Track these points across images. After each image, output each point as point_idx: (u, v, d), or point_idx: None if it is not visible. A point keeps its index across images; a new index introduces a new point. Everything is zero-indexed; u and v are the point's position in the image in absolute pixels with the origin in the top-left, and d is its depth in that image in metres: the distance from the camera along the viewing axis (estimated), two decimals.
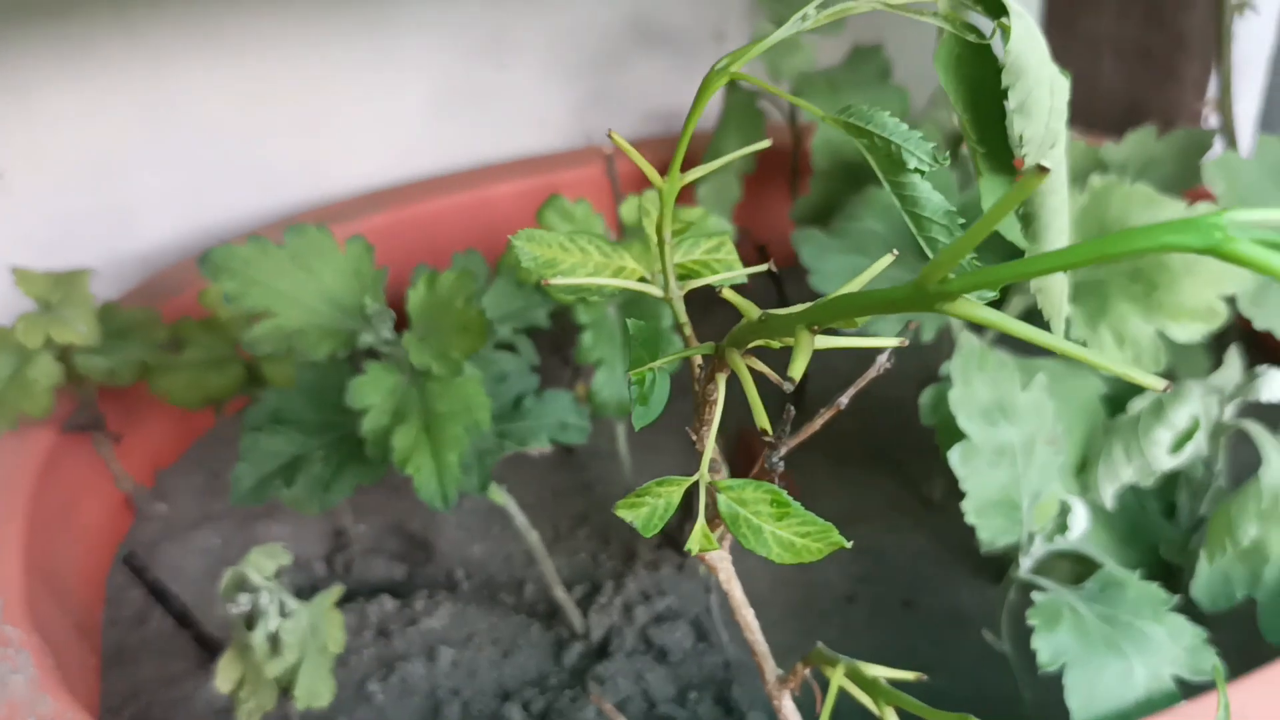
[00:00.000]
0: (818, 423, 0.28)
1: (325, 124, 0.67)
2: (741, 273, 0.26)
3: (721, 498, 0.23)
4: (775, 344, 0.22)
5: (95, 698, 0.46)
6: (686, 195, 0.64)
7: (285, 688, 0.40)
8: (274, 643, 0.36)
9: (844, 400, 0.28)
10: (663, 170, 0.26)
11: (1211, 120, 0.64)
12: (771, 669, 0.33)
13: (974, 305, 0.17)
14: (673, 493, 0.23)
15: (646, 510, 0.23)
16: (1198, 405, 0.41)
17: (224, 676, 0.38)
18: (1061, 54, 0.74)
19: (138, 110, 0.63)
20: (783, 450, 0.28)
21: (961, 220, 0.25)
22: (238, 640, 0.37)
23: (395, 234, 0.61)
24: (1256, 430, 0.43)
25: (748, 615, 0.31)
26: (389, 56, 0.67)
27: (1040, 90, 0.26)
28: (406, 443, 0.36)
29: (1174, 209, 0.43)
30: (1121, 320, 0.43)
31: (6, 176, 0.62)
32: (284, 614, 0.36)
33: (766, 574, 0.52)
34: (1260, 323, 0.45)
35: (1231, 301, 0.44)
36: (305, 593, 0.54)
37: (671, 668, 0.46)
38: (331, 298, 0.39)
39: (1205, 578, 0.43)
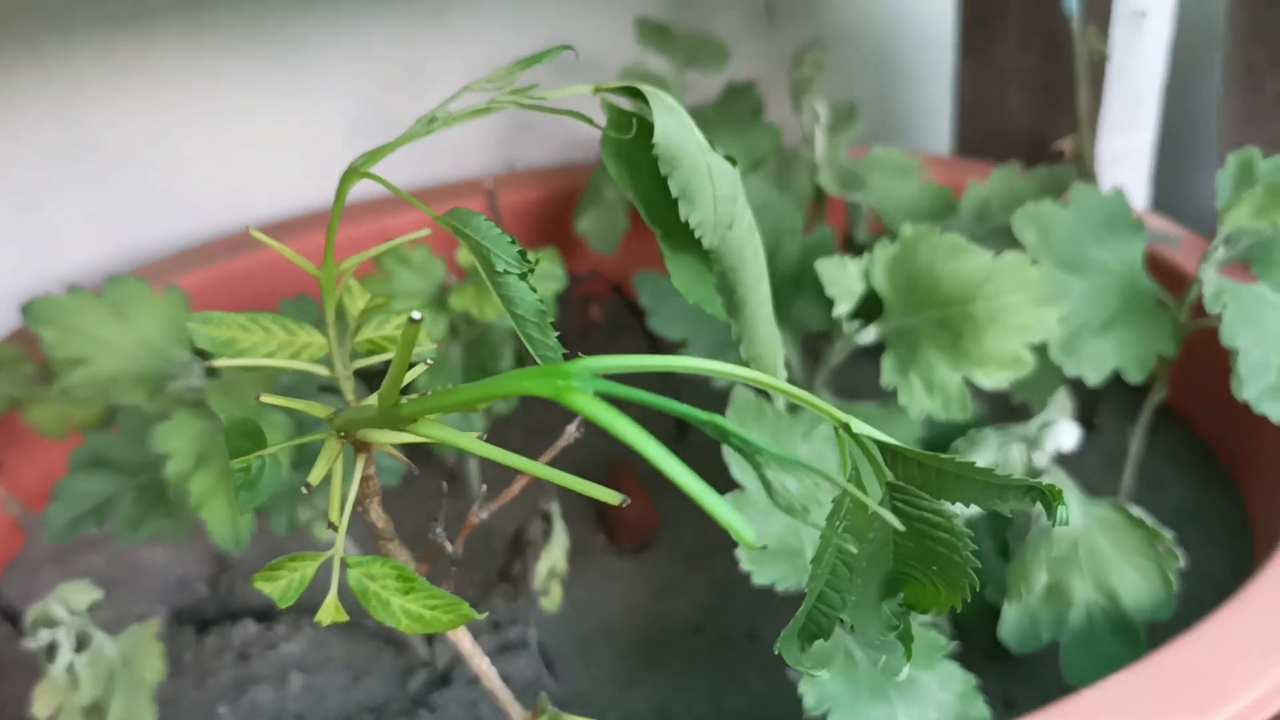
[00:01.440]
0: (504, 498, 0.29)
1: (243, 152, 0.69)
2: (428, 349, 0.28)
3: (351, 573, 0.25)
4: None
5: None
6: (567, 230, 0.66)
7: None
8: (71, 676, 0.38)
9: (521, 484, 0.29)
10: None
11: (1099, 156, 0.64)
12: (515, 714, 0.34)
13: (436, 426, 0.19)
14: (307, 567, 0.25)
15: (283, 583, 0.25)
16: (993, 453, 0.42)
17: (41, 704, 0.40)
18: (973, 84, 0.74)
19: (54, 141, 0.66)
20: (473, 517, 0.29)
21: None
22: (46, 672, 0.40)
23: (284, 268, 0.63)
24: (1057, 477, 0.43)
25: (482, 664, 0.33)
26: (305, 87, 0.69)
27: (698, 178, 0.27)
28: (202, 487, 0.38)
29: (981, 259, 0.44)
30: (930, 368, 0.44)
31: None
32: (82, 649, 0.38)
33: (623, 605, 0.54)
34: (1070, 370, 0.45)
35: None
36: (187, 613, 0.56)
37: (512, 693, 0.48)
38: (149, 345, 0.41)
39: (1012, 621, 0.44)
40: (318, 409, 0.24)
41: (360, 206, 0.68)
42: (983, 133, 0.75)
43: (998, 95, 0.73)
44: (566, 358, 0.29)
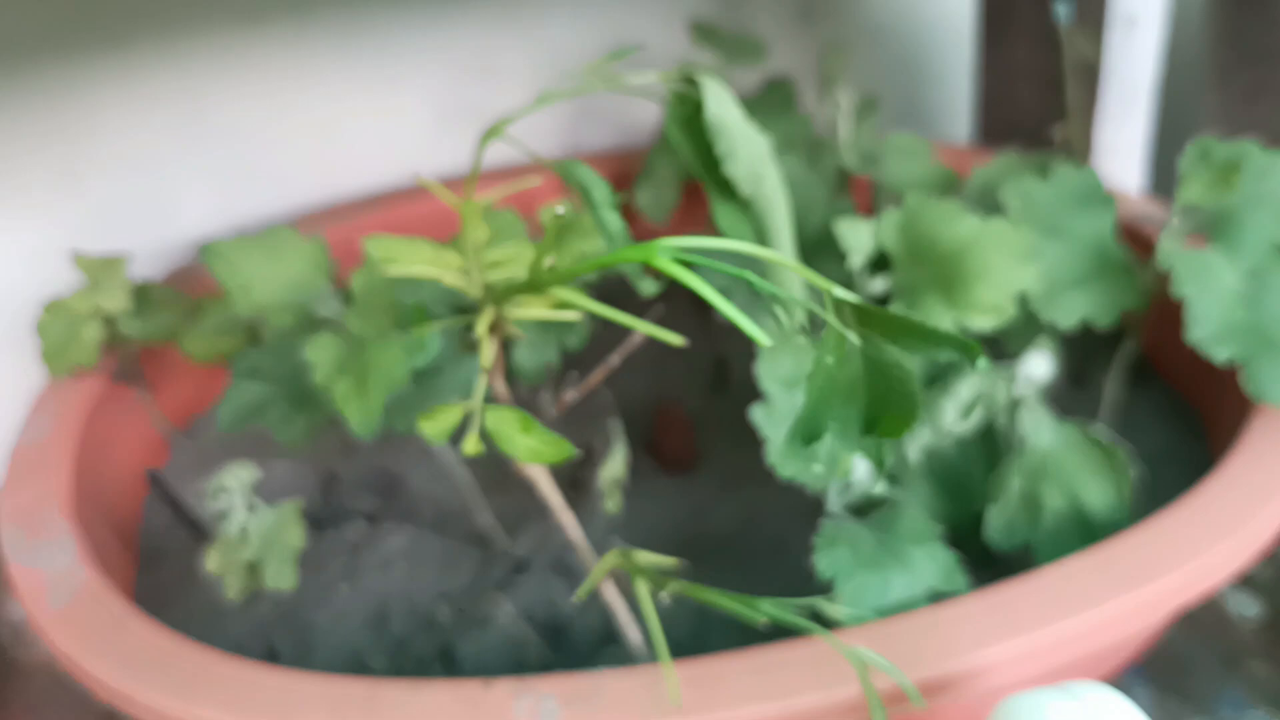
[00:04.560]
0: (596, 378, 0.39)
1: (336, 135, 0.80)
2: (523, 265, 0.37)
3: (488, 416, 0.34)
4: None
5: (131, 588, 0.60)
6: (624, 204, 0.75)
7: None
8: (243, 534, 0.48)
9: (615, 359, 0.39)
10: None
11: (1097, 143, 0.73)
12: (589, 560, 0.44)
13: (568, 292, 0.28)
14: (456, 412, 0.35)
15: (439, 423, 0.34)
16: (978, 383, 0.52)
17: (211, 560, 0.51)
18: (989, 79, 0.83)
19: (178, 118, 0.77)
20: (572, 397, 0.39)
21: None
22: (219, 533, 0.50)
23: (391, 229, 0.73)
24: (1032, 405, 0.53)
25: (567, 517, 0.43)
26: (391, 76, 0.79)
27: (737, 143, 0.36)
28: (343, 391, 0.49)
29: (972, 223, 0.53)
30: (929, 313, 0.53)
31: (76, 175, 0.76)
32: (251, 511, 0.48)
33: (668, 519, 0.63)
34: (1046, 316, 0.54)
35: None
36: (304, 516, 0.67)
37: (572, 583, 0.58)
38: (293, 281, 0.51)
39: (993, 524, 0.53)
40: (473, 287, 0.33)
41: (451, 181, 0.78)
42: (998, 123, 0.84)
43: (1011, 89, 0.81)
44: None
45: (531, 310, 0.32)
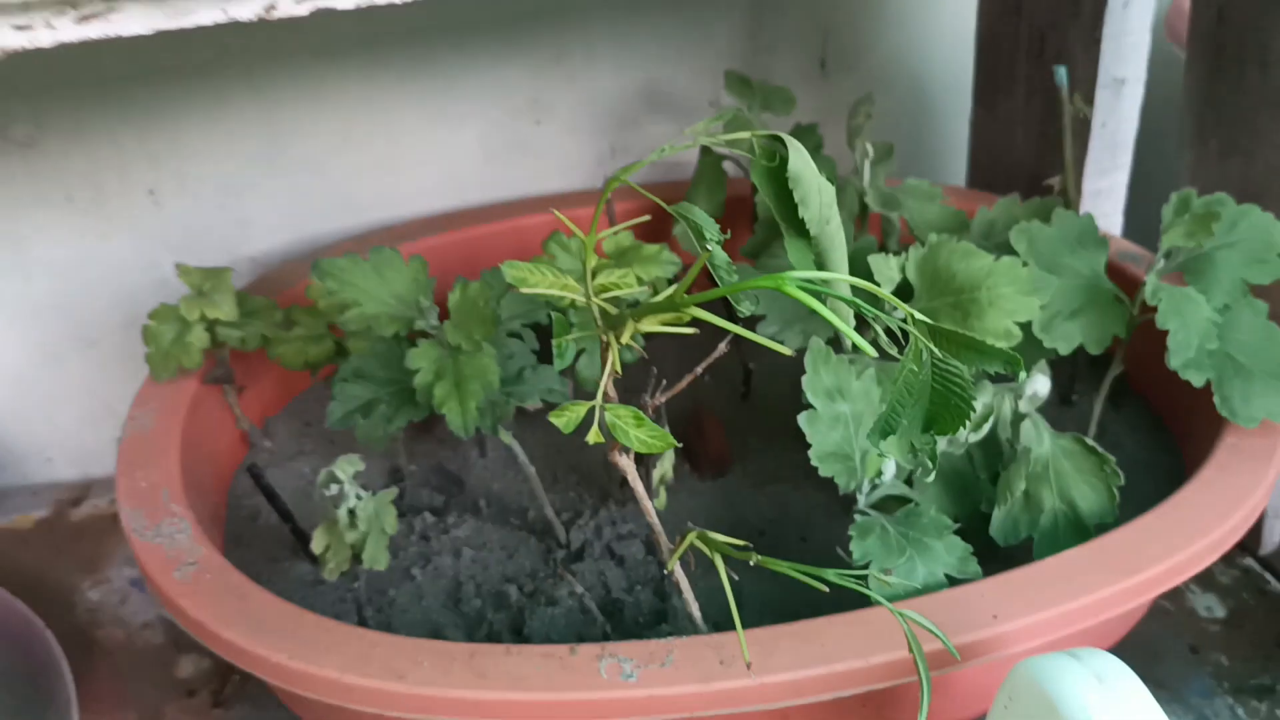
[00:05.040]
0: (683, 384, 0.46)
1: (399, 163, 0.87)
2: (636, 289, 0.45)
3: (607, 414, 0.42)
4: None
5: None
6: (668, 233, 0.83)
7: (356, 554, 0.59)
8: (351, 517, 0.55)
9: (700, 369, 0.46)
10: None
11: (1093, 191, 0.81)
12: (665, 541, 0.51)
13: (699, 311, 0.36)
14: (580, 410, 0.42)
15: (567, 418, 0.42)
16: (989, 397, 0.60)
17: (317, 541, 0.58)
18: (986, 129, 0.92)
19: (257, 147, 0.84)
20: (660, 399, 0.47)
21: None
22: (326, 516, 0.57)
23: (447, 250, 0.81)
24: (1035, 418, 0.61)
25: (648, 504, 0.50)
26: (449, 113, 0.86)
27: (811, 191, 0.44)
28: (443, 393, 0.56)
29: (985, 260, 0.61)
30: None
31: (157, 194, 0.83)
32: (359, 498, 0.55)
33: (705, 515, 0.70)
34: (1048, 343, 0.63)
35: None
36: None
37: (625, 569, 0.65)
38: (398, 296, 0.58)
39: (998, 521, 0.61)
40: (609, 309, 0.41)
41: (500, 206, 0.86)
42: (992, 169, 0.93)
43: (1006, 138, 0.90)
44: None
45: (651, 325, 0.39)
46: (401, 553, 0.67)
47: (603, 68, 0.89)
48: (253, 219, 0.85)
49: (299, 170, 0.85)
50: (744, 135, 0.44)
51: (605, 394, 0.42)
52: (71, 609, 0.77)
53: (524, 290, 0.43)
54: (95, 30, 0.33)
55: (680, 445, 0.43)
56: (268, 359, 0.69)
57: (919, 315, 0.35)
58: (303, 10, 0.36)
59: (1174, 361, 0.61)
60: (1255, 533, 0.75)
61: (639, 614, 0.62)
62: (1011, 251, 0.65)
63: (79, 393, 0.86)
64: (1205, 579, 0.75)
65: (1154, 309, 0.61)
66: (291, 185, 0.85)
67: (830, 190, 0.45)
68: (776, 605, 0.62)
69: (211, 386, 0.70)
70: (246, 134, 0.82)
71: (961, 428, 0.37)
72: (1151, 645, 0.70)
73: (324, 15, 0.40)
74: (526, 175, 0.92)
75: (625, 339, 0.39)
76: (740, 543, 0.48)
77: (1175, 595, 0.74)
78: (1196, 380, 0.61)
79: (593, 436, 0.42)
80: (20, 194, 0.78)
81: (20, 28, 0.31)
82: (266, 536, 0.69)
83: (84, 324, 0.84)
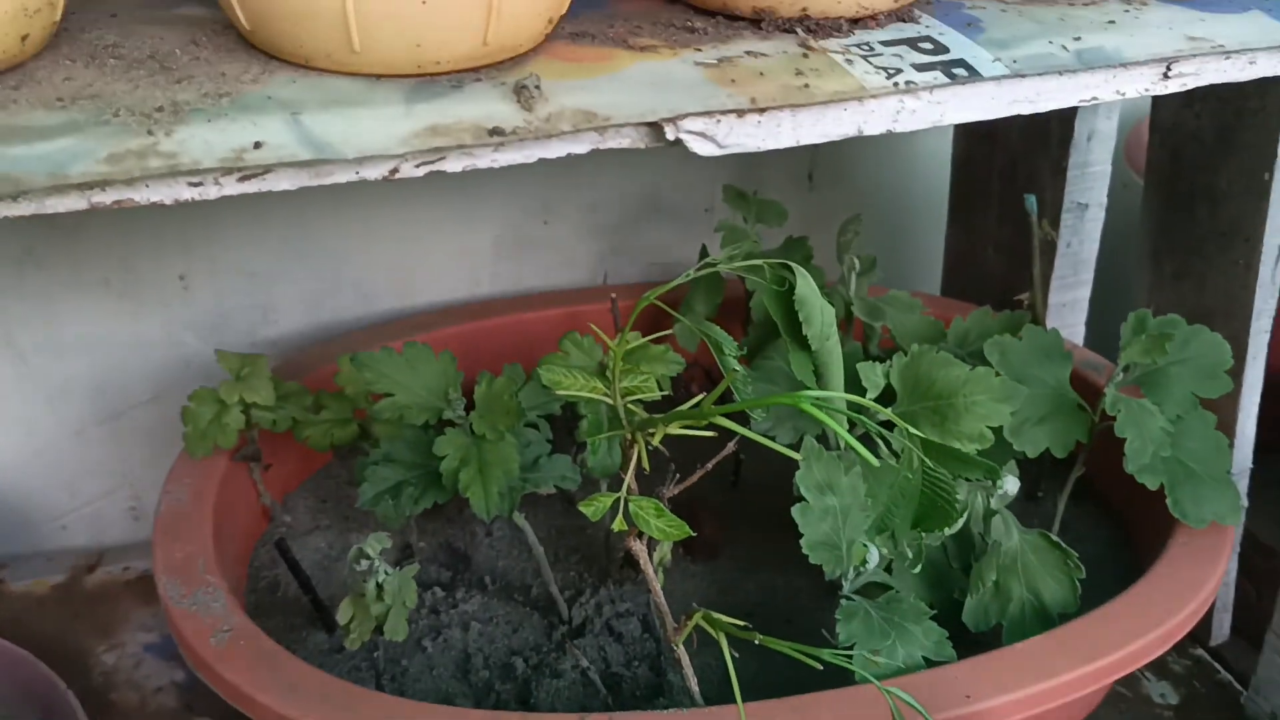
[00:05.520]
0: (694, 478, 0.52)
1: (416, 256, 0.93)
2: (654, 393, 0.50)
3: (631, 505, 0.47)
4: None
5: None
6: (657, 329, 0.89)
7: (378, 625, 0.64)
8: (379, 591, 0.60)
9: (710, 465, 0.52)
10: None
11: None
12: (670, 621, 0.56)
13: (723, 420, 0.42)
14: (608, 500, 0.47)
15: (594, 509, 0.47)
16: (963, 494, 0.65)
17: (343, 613, 0.62)
18: (959, 243, 0.99)
19: (285, 238, 0.89)
20: (674, 490, 0.52)
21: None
22: (354, 589, 0.62)
23: (465, 339, 0.87)
24: (1005, 514, 0.66)
25: (657, 588, 0.55)
26: (465, 213, 0.93)
27: (815, 312, 0.50)
28: (468, 478, 0.61)
29: (961, 369, 0.67)
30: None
31: (188, 279, 0.88)
32: (386, 574, 0.60)
33: (698, 596, 0.75)
34: (1017, 447, 0.69)
35: None
36: None
37: (624, 645, 0.70)
38: (428, 387, 0.64)
39: (971, 609, 0.67)
40: (646, 416, 0.46)
41: (508, 300, 0.92)
42: (965, 278, 1.00)
43: (978, 253, 0.97)
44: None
45: (674, 429, 0.45)
46: (413, 625, 0.71)
47: (609, 175, 0.96)
48: (275, 304, 0.91)
49: (322, 260, 0.90)
50: (758, 263, 0.50)
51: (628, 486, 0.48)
52: (87, 672, 0.81)
53: (559, 391, 0.48)
54: (252, 188, 0.38)
55: (695, 535, 0.48)
56: (291, 438, 0.74)
57: (912, 429, 0.41)
58: (419, 173, 0.42)
59: (1131, 466, 0.67)
60: (1206, 625, 0.81)
61: (636, 689, 0.67)
62: (985, 360, 0.72)
63: (100, 465, 0.90)
64: (1159, 667, 0.80)
65: (1113, 418, 0.68)
66: (314, 274, 0.91)
67: (830, 311, 0.51)
68: (763, 682, 0.66)
69: (239, 464, 0.75)
70: (277, 225, 0.88)
71: (947, 527, 0.43)
72: None
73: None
74: (534, 269, 0.98)
75: (656, 441, 0.44)
76: (741, 623, 0.53)
77: (1131, 682, 0.79)
78: (1151, 484, 0.67)
79: (617, 524, 0.47)
80: (62, 276, 0.83)
81: (194, 184, 0.36)
82: (286, 607, 0.73)
83: (109, 399, 0.88)
